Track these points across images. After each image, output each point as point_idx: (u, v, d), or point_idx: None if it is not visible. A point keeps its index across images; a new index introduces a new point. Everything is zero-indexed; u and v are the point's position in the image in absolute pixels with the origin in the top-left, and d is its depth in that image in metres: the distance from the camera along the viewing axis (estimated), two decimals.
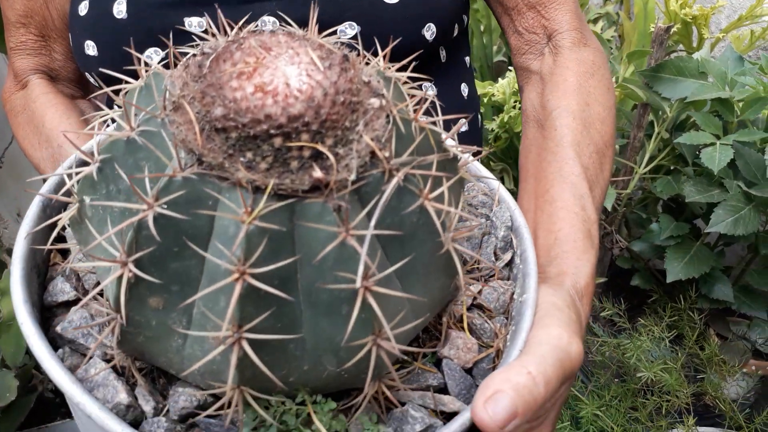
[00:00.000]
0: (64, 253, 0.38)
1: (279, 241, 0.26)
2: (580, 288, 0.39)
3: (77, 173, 0.30)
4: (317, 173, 0.25)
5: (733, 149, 0.90)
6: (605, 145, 0.52)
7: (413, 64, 0.56)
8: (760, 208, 0.90)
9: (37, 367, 1.22)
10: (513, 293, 0.36)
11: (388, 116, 0.27)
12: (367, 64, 0.30)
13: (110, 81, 0.55)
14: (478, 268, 0.37)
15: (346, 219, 0.26)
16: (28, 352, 1.12)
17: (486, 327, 0.34)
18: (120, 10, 0.54)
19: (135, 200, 0.26)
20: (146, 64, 0.31)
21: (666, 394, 0.86)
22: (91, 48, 0.55)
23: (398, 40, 0.52)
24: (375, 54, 0.52)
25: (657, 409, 0.90)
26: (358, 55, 0.29)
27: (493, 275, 0.35)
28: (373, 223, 0.26)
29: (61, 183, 0.36)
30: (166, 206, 0.25)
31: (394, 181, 0.27)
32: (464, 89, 0.63)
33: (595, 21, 1.43)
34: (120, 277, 0.27)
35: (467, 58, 0.64)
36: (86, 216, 0.31)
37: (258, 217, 0.25)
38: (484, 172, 0.41)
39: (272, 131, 0.25)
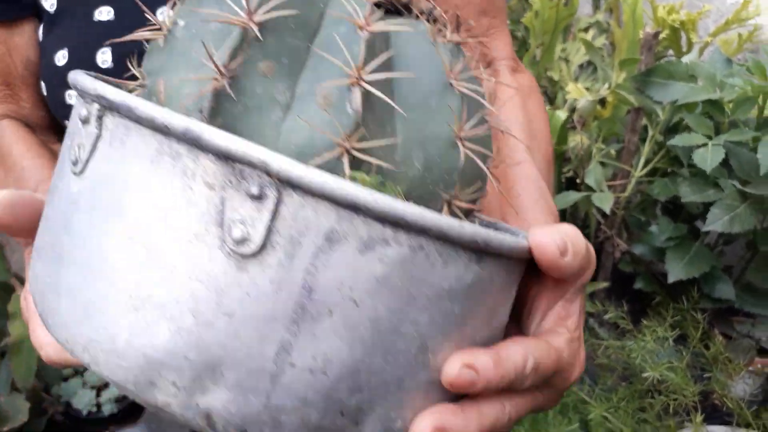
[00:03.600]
0: None
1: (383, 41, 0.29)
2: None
3: None
4: None
5: (725, 149, 0.92)
6: (549, 157, 0.58)
7: None
8: (755, 205, 0.92)
9: (47, 389, 1.23)
10: None
11: None
12: None
13: None
14: None
15: (435, 27, 0.30)
16: (38, 375, 1.13)
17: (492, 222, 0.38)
18: (105, 59, 0.54)
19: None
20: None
21: (673, 393, 0.87)
22: (74, 98, 0.55)
23: None
24: None
25: (665, 409, 0.90)
26: None
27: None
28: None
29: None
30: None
31: None
32: None
33: (585, 29, 1.46)
34: (243, 31, 0.26)
35: None
36: (176, 38, 0.29)
37: None
38: None
39: None
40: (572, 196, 1.02)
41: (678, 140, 0.94)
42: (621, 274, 1.20)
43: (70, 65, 0.55)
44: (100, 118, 0.27)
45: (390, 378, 0.26)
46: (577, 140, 1.09)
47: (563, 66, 1.37)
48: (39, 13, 0.59)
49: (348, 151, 0.26)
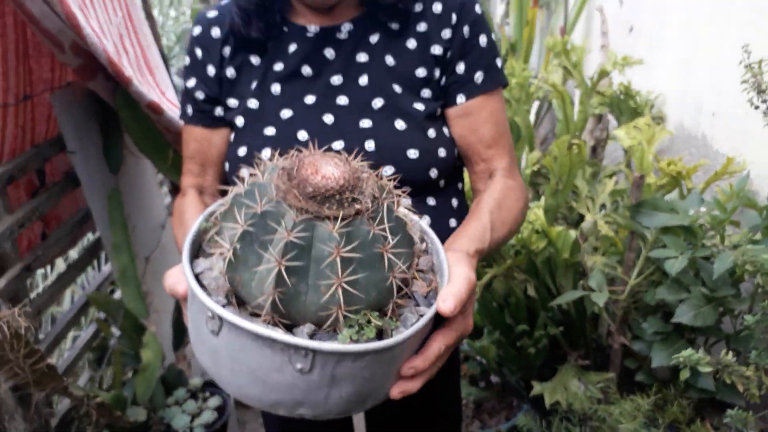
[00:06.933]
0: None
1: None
2: (470, 252, 0.75)
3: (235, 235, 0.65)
4: (358, 206, 0.62)
5: (696, 263, 1.19)
6: (509, 221, 0.91)
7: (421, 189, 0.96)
8: (717, 306, 1.17)
9: (155, 410, 1.54)
10: (432, 262, 0.70)
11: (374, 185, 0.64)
12: (377, 175, 0.67)
13: None
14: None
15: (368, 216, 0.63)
16: (150, 400, 1.46)
17: (427, 277, 0.68)
18: (265, 153, 0.94)
19: (276, 236, 0.60)
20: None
21: None
22: (245, 174, 0.96)
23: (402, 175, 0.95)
24: (400, 183, 0.92)
25: None
26: (374, 169, 0.66)
27: (420, 255, 0.70)
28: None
29: (202, 231, 0.71)
30: (296, 236, 0.59)
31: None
32: (454, 202, 1.02)
33: (611, 176, 1.80)
34: (279, 270, 0.59)
35: (460, 184, 1.04)
36: (239, 257, 0.62)
37: (339, 228, 0.60)
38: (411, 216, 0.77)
39: (335, 191, 0.60)
40: (577, 294, 1.30)
41: (656, 253, 1.22)
42: (627, 371, 1.42)
43: (246, 155, 0.97)
44: (220, 319, 0.62)
45: (374, 391, 0.64)
46: (587, 254, 1.39)
47: (589, 203, 1.70)
48: (232, 126, 1.02)
49: (338, 310, 0.61)
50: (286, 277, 0.59)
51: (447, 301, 0.63)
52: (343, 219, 0.59)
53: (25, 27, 1.43)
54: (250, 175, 0.66)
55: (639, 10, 2.49)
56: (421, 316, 0.65)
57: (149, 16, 2.06)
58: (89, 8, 1.39)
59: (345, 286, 0.59)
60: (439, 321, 0.65)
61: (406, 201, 0.69)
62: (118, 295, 1.90)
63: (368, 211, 0.61)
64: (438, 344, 0.65)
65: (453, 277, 0.66)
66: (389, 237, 0.61)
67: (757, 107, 0.84)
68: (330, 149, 0.91)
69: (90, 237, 1.90)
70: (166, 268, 0.77)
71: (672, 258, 1.20)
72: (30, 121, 1.49)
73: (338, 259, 0.59)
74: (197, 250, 0.71)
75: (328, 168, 0.60)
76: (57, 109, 1.51)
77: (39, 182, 1.57)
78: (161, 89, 1.65)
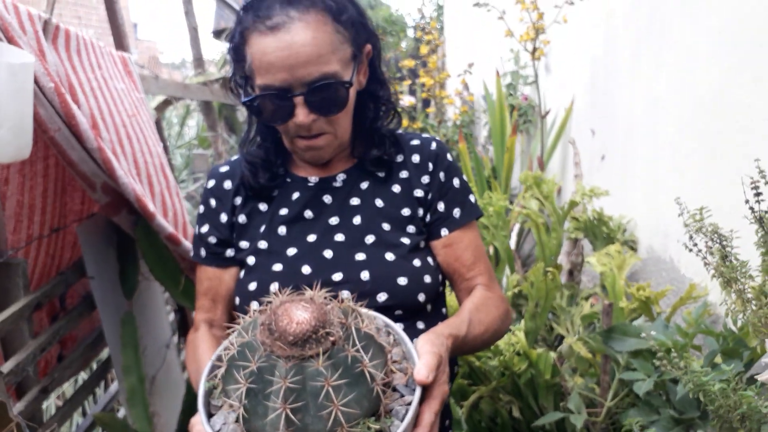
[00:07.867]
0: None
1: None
2: (444, 333, 0.89)
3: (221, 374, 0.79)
4: (332, 337, 0.74)
5: (666, 386, 1.31)
6: (486, 321, 1.05)
7: (410, 315, 1.10)
8: (686, 428, 1.26)
9: None
10: (403, 350, 0.83)
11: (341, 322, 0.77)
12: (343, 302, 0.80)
13: None
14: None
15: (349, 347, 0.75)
16: None
17: (401, 366, 0.81)
18: (273, 288, 1.08)
19: (275, 387, 0.72)
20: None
21: None
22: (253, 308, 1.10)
23: (390, 300, 1.09)
24: (391, 309, 1.07)
25: None
26: (341, 301, 0.79)
27: (391, 349, 0.82)
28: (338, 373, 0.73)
29: (213, 368, 0.82)
30: (291, 382, 0.72)
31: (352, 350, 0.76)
32: None
33: (587, 298, 1.94)
34: (286, 413, 0.71)
35: (444, 309, 1.18)
36: (249, 410, 0.74)
37: (323, 362, 0.73)
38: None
39: (310, 333, 0.72)
40: (557, 415, 1.40)
41: (626, 375, 1.34)
42: None
43: (256, 290, 1.10)
44: None
45: None
46: (566, 375, 1.50)
47: (569, 324, 1.84)
48: (242, 264, 1.16)
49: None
50: (293, 416, 0.71)
51: (421, 372, 0.78)
52: (323, 353, 0.71)
53: (64, 166, 1.62)
54: (235, 333, 0.79)
55: (609, 140, 2.76)
56: (408, 404, 0.77)
57: (165, 147, 2.29)
58: (126, 146, 1.58)
59: (341, 408, 0.71)
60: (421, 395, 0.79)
61: (370, 314, 0.81)
62: (119, 413, 1.96)
63: (341, 338, 0.73)
64: (428, 414, 0.79)
65: (420, 353, 0.81)
66: (364, 355, 0.73)
67: (690, 250, 0.99)
68: (330, 281, 1.06)
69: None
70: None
71: (641, 380, 1.32)
72: (60, 249, 1.64)
73: (330, 389, 0.71)
74: (208, 405, 0.83)
75: (299, 314, 0.72)
76: (81, 238, 1.67)
77: (60, 305, 1.69)
78: (183, 217, 1.82)
